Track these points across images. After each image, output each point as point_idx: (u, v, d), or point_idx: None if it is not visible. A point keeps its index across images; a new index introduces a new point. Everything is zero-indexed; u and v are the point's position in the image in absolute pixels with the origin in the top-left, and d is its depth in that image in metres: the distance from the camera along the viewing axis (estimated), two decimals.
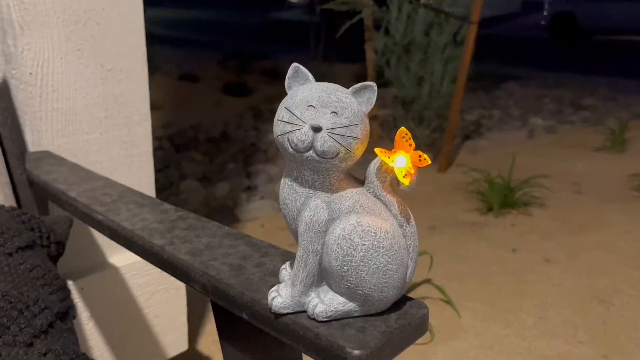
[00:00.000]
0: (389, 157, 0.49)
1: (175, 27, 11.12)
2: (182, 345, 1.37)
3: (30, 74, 0.98)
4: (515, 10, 14.24)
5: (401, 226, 0.52)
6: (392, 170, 0.50)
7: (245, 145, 3.52)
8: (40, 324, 0.54)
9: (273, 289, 0.53)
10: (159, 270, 0.67)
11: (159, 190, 2.88)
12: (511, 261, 2.14)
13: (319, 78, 0.51)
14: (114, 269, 1.16)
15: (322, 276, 0.52)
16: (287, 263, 0.59)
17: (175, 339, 1.32)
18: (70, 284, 1.08)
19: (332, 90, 0.49)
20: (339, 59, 6.35)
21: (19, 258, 0.61)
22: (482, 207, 2.65)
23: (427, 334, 1.67)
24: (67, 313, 0.60)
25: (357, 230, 0.49)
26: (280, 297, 0.52)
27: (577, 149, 3.62)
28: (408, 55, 3.28)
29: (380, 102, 3.40)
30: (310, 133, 0.47)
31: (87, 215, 0.78)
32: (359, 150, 0.49)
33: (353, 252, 0.49)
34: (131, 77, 1.09)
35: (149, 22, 1.16)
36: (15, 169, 0.89)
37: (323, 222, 0.50)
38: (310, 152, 0.48)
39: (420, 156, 0.50)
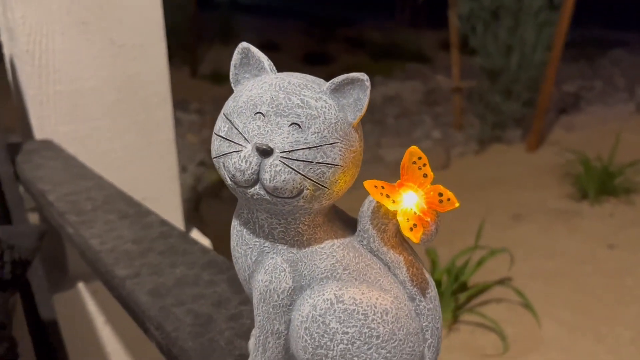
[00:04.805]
0: (388, 197, 0.31)
1: None
2: None
3: (27, 51, 0.85)
4: None
5: (412, 299, 0.33)
6: (395, 215, 0.31)
7: None
8: None
9: None
10: None
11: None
12: (608, 260, 1.85)
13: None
14: None
15: None
16: None
17: None
18: (81, 286, 0.97)
19: (294, 88, 0.31)
20: (427, 25, 6.00)
21: None
22: (576, 194, 2.34)
23: (500, 343, 1.46)
24: None
25: (335, 310, 0.31)
26: None
27: None
28: (496, 22, 2.96)
29: (465, 73, 3.14)
30: (255, 158, 0.29)
31: (60, 226, 0.64)
32: (340, 183, 0.31)
33: (329, 343, 0.31)
34: (148, 54, 0.94)
35: None
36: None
37: (285, 292, 0.32)
38: (257, 187, 0.30)
39: (441, 194, 0.30)
